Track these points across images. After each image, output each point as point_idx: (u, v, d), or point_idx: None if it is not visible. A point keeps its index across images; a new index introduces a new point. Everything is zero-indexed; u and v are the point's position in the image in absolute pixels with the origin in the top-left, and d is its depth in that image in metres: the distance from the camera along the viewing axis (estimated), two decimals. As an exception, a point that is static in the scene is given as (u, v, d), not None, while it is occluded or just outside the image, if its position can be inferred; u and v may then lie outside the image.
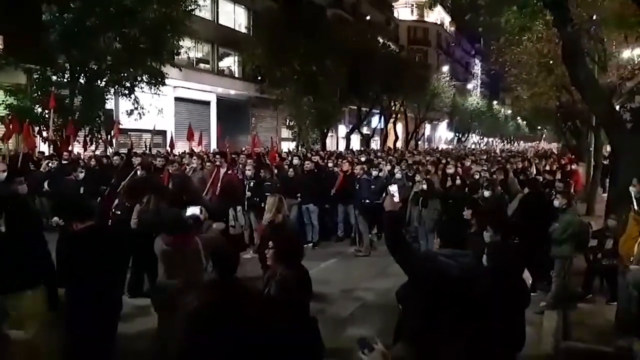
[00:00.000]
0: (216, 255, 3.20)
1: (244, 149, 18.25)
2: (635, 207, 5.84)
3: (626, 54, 13.73)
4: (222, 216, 8.35)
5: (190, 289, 4.02)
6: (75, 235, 4.13)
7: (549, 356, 5.43)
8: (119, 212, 6.71)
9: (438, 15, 62.00)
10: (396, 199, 3.22)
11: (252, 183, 9.54)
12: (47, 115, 14.11)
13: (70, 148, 13.42)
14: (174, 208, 5.20)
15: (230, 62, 29.99)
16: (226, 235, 8.19)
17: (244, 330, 2.86)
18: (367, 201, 9.68)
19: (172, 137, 18.07)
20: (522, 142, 75.61)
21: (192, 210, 5.04)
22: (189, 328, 2.93)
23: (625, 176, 7.88)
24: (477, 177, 10.29)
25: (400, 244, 3.20)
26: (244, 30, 29.67)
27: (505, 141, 74.28)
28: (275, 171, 10.44)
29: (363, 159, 14.89)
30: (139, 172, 8.34)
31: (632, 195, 6.00)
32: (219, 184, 9.33)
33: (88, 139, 15.78)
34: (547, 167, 15.38)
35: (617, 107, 13.57)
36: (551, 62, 14.95)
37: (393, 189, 3.25)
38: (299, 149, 24.45)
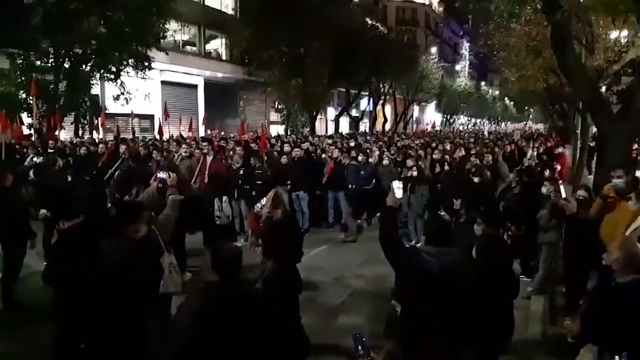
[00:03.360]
0: (216, 257, 3.12)
1: (232, 135, 18.08)
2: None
3: (613, 35, 13.73)
4: (209, 205, 8.28)
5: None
6: (62, 235, 4.01)
7: (537, 341, 5.55)
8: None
9: (426, -5, 61.53)
10: (399, 195, 3.22)
11: (242, 171, 9.46)
12: (31, 102, 13.87)
13: (57, 135, 13.20)
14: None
15: (217, 45, 29.54)
16: (214, 226, 8.13)
17: (238, 327, 2.87)
18: (354, 186, 9.82)
19: (160, 123, 17.84)
20: (509, 123, 75.87)
21: (161, 175, 5.19)
22: (192, 324, 2.92)
23: (611, 159, 7.97)
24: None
25: (392, 240, 3.23)
26: (230, 11, 29.15)
27: (493, 122, 74.49)
28: (265, 158, 10.35)
29: (352, 144, 14.86)
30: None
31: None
32: (206, 172, 9.15)
33: (79, 126, 15.61)
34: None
35: (604, 89, 13.66)
36: (539, 44, 14.94)
37: (396, 184, 3.22)
38: (289, 134, 24.29)
